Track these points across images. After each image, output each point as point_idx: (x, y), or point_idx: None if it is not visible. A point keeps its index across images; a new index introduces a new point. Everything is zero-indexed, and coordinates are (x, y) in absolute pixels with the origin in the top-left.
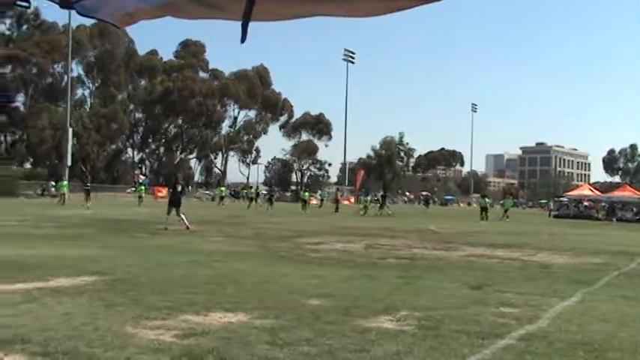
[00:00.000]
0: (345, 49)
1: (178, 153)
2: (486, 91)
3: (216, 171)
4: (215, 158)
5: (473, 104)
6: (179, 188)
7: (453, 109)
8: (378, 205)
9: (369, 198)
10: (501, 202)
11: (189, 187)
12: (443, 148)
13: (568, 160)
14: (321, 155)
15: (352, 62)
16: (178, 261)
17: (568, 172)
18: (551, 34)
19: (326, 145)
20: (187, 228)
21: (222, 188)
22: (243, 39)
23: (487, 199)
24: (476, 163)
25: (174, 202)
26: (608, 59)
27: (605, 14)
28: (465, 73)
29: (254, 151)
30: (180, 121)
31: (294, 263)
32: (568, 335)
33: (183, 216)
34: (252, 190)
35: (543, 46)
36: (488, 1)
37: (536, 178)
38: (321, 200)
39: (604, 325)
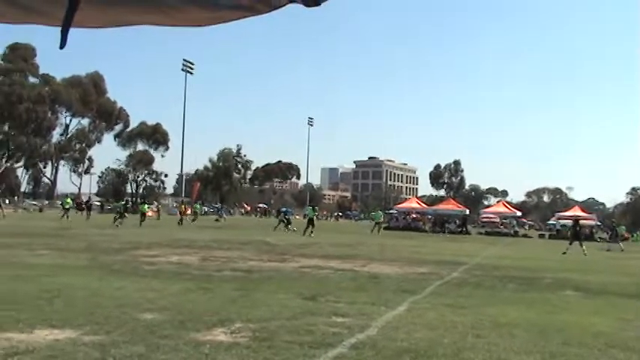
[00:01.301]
0: (184, 60)
1: (4, 161)
2: (323, 106)
3: (46, 181)
4: (44, 167)
5: (309, 118)
6: None
7: (291, 122)
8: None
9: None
10: (372, 214)
11: (16, 197)
12: (280, 161)
13: (398, 174)
14: (157, 166)
15: (191, 73)
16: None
17: (398, 186)
18: (383, 52)
19: (162, 156)
20: None
21: (68, 200)
22: (62, 45)
23: (315, 210)
24: (312, 176)
25: None
26: (435, 79)
27: (427, 33)
28: (302, 87)
29: (87, 161)
30: (6, 128)
31: (127, 276)
32: (396, 343)
33: None
34: (122, 202)
35: (377, 63)
36: (322, 16)
37: (369, 191)
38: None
39: (429, 332)
